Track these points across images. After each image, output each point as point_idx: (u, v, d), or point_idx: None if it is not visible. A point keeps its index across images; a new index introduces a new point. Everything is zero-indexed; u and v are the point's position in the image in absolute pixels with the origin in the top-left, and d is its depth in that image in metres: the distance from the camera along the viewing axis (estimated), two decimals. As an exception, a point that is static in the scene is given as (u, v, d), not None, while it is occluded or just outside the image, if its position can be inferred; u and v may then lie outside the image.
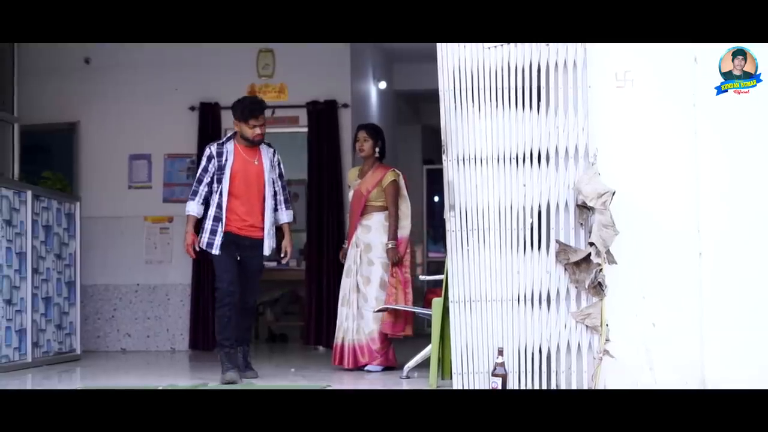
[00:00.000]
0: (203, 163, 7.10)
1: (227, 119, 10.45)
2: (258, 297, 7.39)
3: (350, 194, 8.28)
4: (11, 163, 9.04)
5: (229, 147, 7.06)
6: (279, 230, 7.42)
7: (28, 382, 7.58)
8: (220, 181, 7.00)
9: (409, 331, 7.87)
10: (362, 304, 7.90)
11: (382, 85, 12.60)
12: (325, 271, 10.20)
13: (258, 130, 7.00)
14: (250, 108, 6.99)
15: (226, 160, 7.01)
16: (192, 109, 10.61)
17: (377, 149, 8.16)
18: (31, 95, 9.81)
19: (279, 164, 7.28)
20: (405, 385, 6.89)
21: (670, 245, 5.73)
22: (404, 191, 8.15)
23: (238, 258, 7.08)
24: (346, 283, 8.03)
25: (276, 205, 7.23)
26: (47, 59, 10.31)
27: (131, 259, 10.61)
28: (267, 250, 7.15)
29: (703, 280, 5.70)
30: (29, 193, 8.44)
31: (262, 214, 7.10)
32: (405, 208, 8.11)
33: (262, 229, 7.10)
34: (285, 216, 7.31)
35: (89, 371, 8.39)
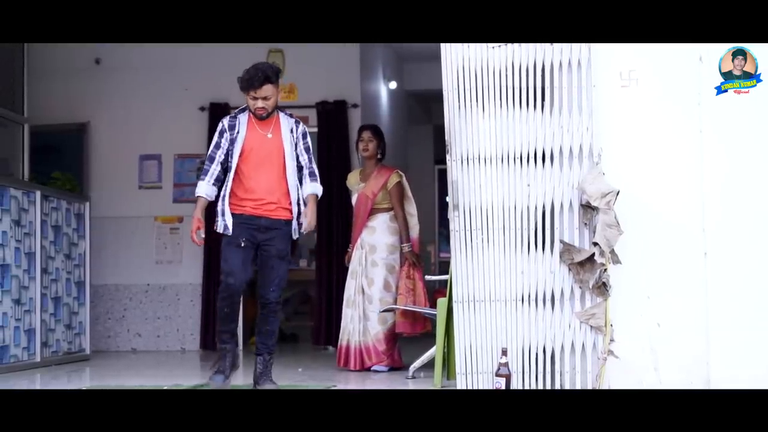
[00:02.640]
0: (215, 138, 6.28)
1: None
2: (281, 292, 6.33)
3: (354, 198, 8.21)
4: (21, 164, 9.06)
5: (242, 119, 6.25)
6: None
7: (36, 382, 7.60)
8: (232, 157, 6.20)
9: (429, 326, 7.81)
10: (367, 305, 7.87)
11: (393, 85, 12.60)
12: (335, 271, 10.21)
13: (260, 103, 6.12)
14: (248, 79, 6.12)
15: (238, 132, 6.21)
16: (202, 109, 10.63)
17: (380, 150, 8.13)
18: (41, 95, 9.84)
19: (304, 136, 6.34)
20: (410, 385, 6.88)
21: (675, 245, 5.71)
22: (409, 192, 8.13)
23: (252, 243, 6.18)
24: (351, 285, 8.00)
25: (300, 180, 6.30)
26: (57, 60, 10.36)
27: (141, 259, 10.63)
28: (296, 233, 6.30)
29: (709, 279, 5.68)
30: (38, 194, 8.48)
31: (286, 193, 6.24)
32: (411, 209, 8.10)
33: (286, 208, 6.24)
34: (308, 188, 6.28)
35: (98, 371, 8.41)
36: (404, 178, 8.11)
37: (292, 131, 6.30)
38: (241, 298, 6.35)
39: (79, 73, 10.69)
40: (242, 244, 6.14)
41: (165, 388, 6.36)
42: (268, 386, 6.25)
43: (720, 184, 5.71)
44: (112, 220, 10.43)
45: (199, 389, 6.23)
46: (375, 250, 7.93)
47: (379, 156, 8.13)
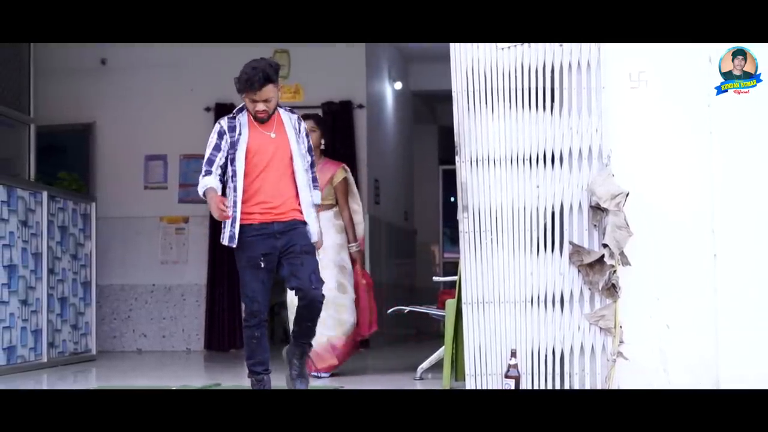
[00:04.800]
0: (213, 140, 5.66)
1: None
2: (321, 285, 5.67)
3: None
4: (27, 164, 9.08)
5: (242, 119, 5.68)
6: None
7: (43, 382, 7.61)
8: (234, 162, 5.63)
9: (375, 326, 7.60)
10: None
11: (398, 85, 12.60)
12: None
13: (260, 106, 5.57)
14: (246, 80, 5.54)
15: (240, 134, 5.64)
16: (207, 109, 10.64)
17: (323, 141, 7.50)
18: (48, 96, 9.85)
19: (307, 136, 5.85)
20: (418, 386, 6.88)
21: (685, 246, 5.70)
22: (354, 188, 7.72)
23: (271, 259, 5.64)
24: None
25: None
26: (63, 60, 10.37)
27: (147, 260, 10.65)
28: (314, 236, 5.73)
29: (718, 281, 5.67)
30: (45, 194, 8.48)
31: (296, 195, 5.71)
32: (356, 206, 7.69)
33: (296, 210, 5.69)
34: (314, 197, 5.87)
35: (104, 372, 8.42)
36: (350, 173, 7.67)
37: (295, 128, 5.80)
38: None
39: (84, 74, 10.71)
40: (262, 265, 5.60)
41: (174, 388, 6.35)
42: (299, 386, 5.78)
43: (729, 185, 5.70)
44: (117, 220, 10.44)
45: (205, 390, 6.22)
46: (324, 251, 7.12)
47: (322, 147, 7.49)
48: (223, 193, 5.67)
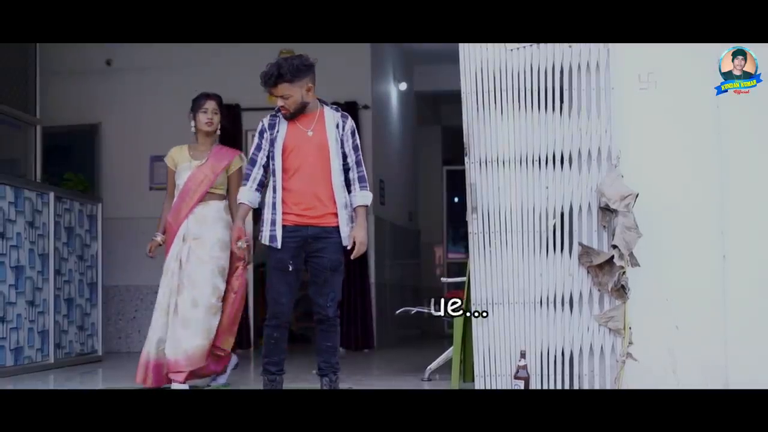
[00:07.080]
0: (255, 140, 5.66)
1: (247, 120, 10.53)
2: (338, 306, 5.69)
3: (182, 177, 6.74)
4: (33, 165, 9.09)
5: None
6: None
7: (50, 382, 7.60)
8: (274, 159, 5.59)
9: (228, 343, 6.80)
10: (189, 311, 6.55)
11: (403, 86, 12.59)
12: (346, 272, 10.17)
13: (279, 102, 5.54)
14: (261, 77, 5.56)
15: (278, 131, 5.59)
16: (213, 110, 10.61)
17: (220, 126, 6.87)
18: (53, 97, 9.85)
19: (353, 134, 5.68)
20: (426, 387, 6.87)
21: (694, 248, 5.71)
22: None
23: (299, 263, 5.60)
24: (166, 285, 6.75)
25: (348, 183, 5.64)
26: (69, 61, 10.37)
27: (152, 261, 10.54)
28: (347, 240, 5.62)
29: (727, 282, 5.67)
30: (51, 195, 8.48)
31: (332, 196, 5.60)
32: None
33: (333, 213, 5.61)
34: (359, 197, 5.65)
35: (111, 372, 8.41)
36: (245, 163, 6.29)
37: (338, 126, 5.65)
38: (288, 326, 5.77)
39: (90, 75, 10.71)
40: (290, 268, 5.56)
41: (181, 389, 6.35)
42: None
43: (739, 186, 5.70)
44: (123, 221, 10.42)
45: (212, 390, 6.22)
46: (203, 245, 6.57)
47: (218, 132, 6.86)
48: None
